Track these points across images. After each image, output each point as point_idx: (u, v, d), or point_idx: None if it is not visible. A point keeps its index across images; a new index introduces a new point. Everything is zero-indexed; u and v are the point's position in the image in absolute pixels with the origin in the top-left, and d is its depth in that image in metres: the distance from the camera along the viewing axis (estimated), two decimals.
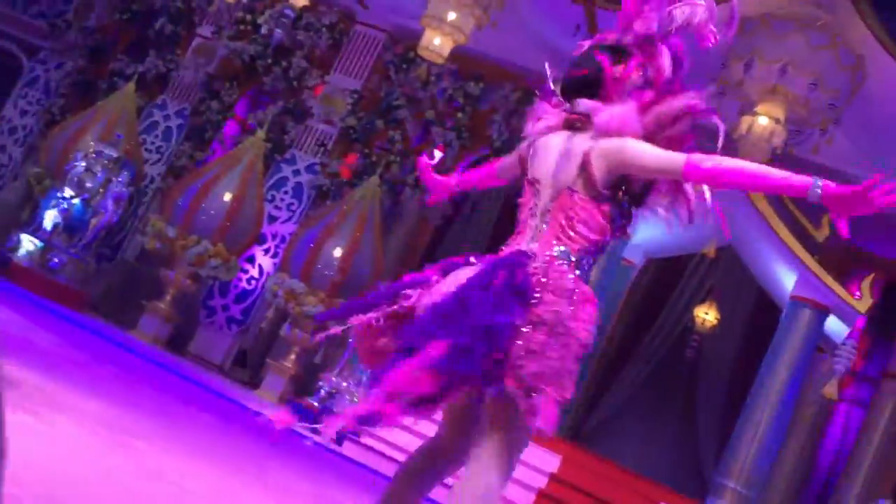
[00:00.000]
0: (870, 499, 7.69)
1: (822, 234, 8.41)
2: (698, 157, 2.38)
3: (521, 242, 2.53)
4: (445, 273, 2.50)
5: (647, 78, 2.58)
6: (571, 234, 2.50)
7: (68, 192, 9.37)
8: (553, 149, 2.56)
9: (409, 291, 2.47)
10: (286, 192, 10.38)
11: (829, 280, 8.18)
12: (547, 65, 2.80)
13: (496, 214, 11.05)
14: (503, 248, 2.57)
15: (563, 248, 2.47)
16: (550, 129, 2.61)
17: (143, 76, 10.96)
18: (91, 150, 9.43)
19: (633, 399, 10.72)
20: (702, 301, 10.66)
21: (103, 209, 9.50)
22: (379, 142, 10.43)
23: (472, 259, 2.53)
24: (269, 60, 10.67)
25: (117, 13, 11.52)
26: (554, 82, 2.70)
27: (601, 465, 8.12)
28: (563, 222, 2.50)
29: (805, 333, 8.34)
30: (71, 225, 9.41)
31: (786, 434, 8.79)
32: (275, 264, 9.95)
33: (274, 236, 10.25)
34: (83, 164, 9.39)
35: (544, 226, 2.52)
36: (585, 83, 2.61)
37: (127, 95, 10.29)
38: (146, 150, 10.75)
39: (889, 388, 9.28)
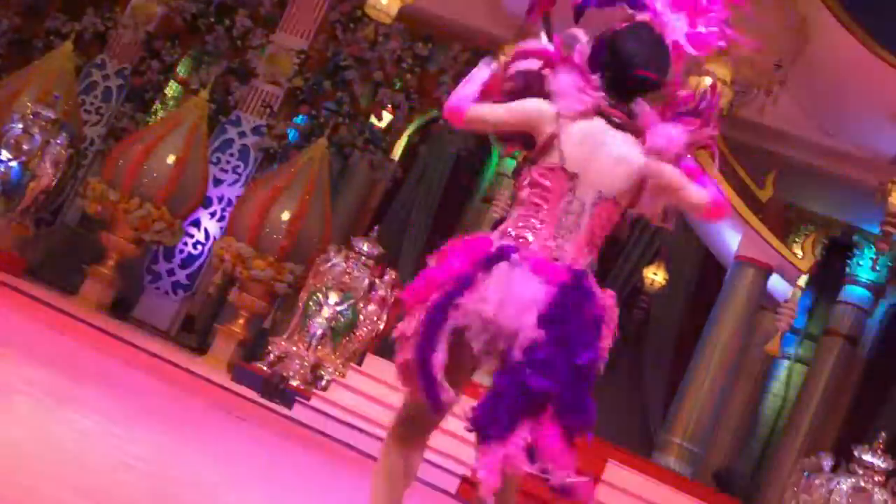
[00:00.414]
0: (811, 453, 7.90)
1: (765, 195, 8.55)
2: (715, 194, 2.49)
3: (545, 236, 2.41)
4: (485, 268, 2.35)
5: (698, 106, 2.49)
6: (597, 241, 2.49)
7: (5, 155, 9.05)
8: (601, 146, 2.43)
9: (462, 300, 2.33)
10: (232, 155, 10.18)
11: (773, 239, 8.33)
12: (581, 32, 2.54)
13: (446, 176, 11.01)
14: (512, 224, 2.45)
15: (590, 257, 2.47)
16: (583, 115, 2.45)
17: (80, 35, 10.59)
18: (28, 111, 9.10)
19: None
20: (650, 262, 10.78)
21: (41, 172, 9.21)
22: (326, 103, 10.28)
23: (510, 253, 2.37)
24: (212, 19, 10.41)
25: None
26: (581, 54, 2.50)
27: None
28: (597, 230, 2.46)
29: (748, 292, 8.50)
30: (8, 189, 9.11)
31: (730, 391, 8.99)
32: (221, 228, 9.79)
33: (220, 199, 10.06)
34: (20, 125, 9.06)
35: (579, 228, 2.43)
36: (652, 86, 2.49)
37: (64, 55, 9.93)
38: (85, 111, 10.42)
39: (829, 344, 9.53)
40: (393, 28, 9.80)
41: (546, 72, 2.53)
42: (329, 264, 8.39)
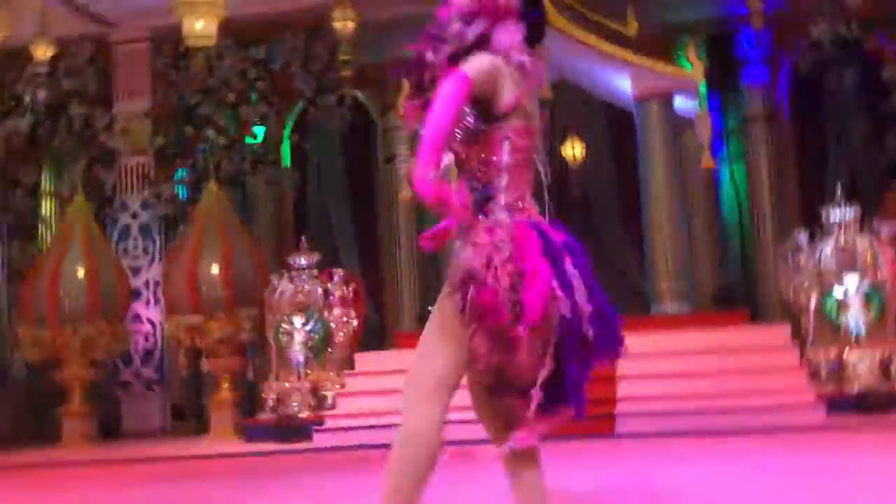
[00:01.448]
0: (785, 237, 8.09)
1: (632, 29, 8.58)
2: None
3: (530, 199, 2.41)
4: (570, 253, 2.37)
5: None
6: None
7: None
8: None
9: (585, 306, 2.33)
10: (135, 239, 9.93)
11: (657, 66, 8.39)
12: None
13: (341, 157, 10.85)
14: (510, 195, 2.36)
15: None
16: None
17: None
18: None
19: None
20: (563, 141, 10.80)
21: None
22: (197, 147, 10.00)
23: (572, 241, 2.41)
24: (48, 123, 10.00)
25: None
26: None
27: None
28: None
29: (660, 124, 8.59)
30: None
31: (688, 219, 9.13)
32: (161, 310, 9.58)
33: (146, 284, 9.83)
34: None
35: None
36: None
37: None
38: None
39: (753, 130, 9.66)
40: (221, 46, 9.52)
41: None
42: (278, 293, 8.28)
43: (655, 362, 7.10)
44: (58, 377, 8.94)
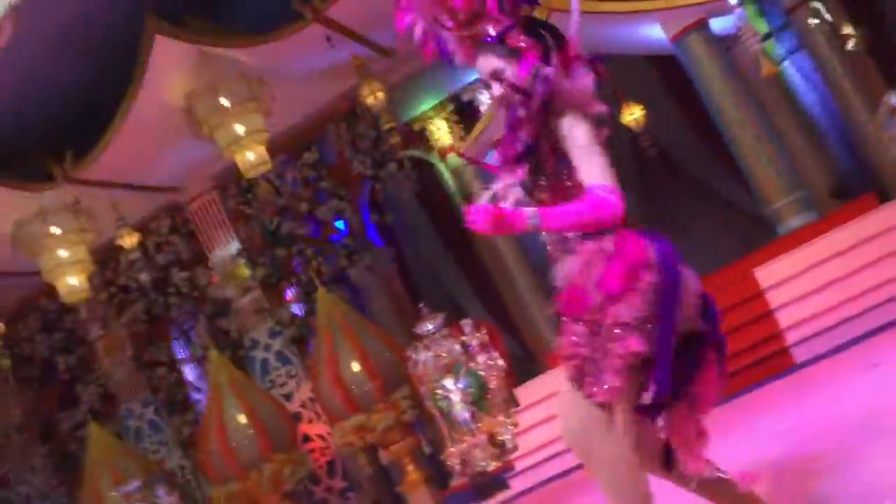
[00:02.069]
0: (878, 104, 7.70)
1: None
2: None
3: None
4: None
5: None
6: None
7: None
8: None
9: None
10: (276, 369, 10.27)
11: (680, 1, 8.21)
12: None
13: (431, 225, 11.02)
14: None
15: None
16: None
17: None
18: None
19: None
20: (620, 111, 10.67)
21: None
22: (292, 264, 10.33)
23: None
24: (160, 299, 10.53)
25: None
26: None
27: None
28: None
29: (708, 54, 8.38)
30: None
31: (775, 129, 8.82)
32: (325, 422, 9.83)
33: (303, 405, 10.14)
34: None
35: None
36: None
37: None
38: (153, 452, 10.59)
39: (800, 17, 9.28)
40: (277, 164, 9.86)
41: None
42: (420, 364, 8.39)
43: (808, 278, 6.86)
44: None
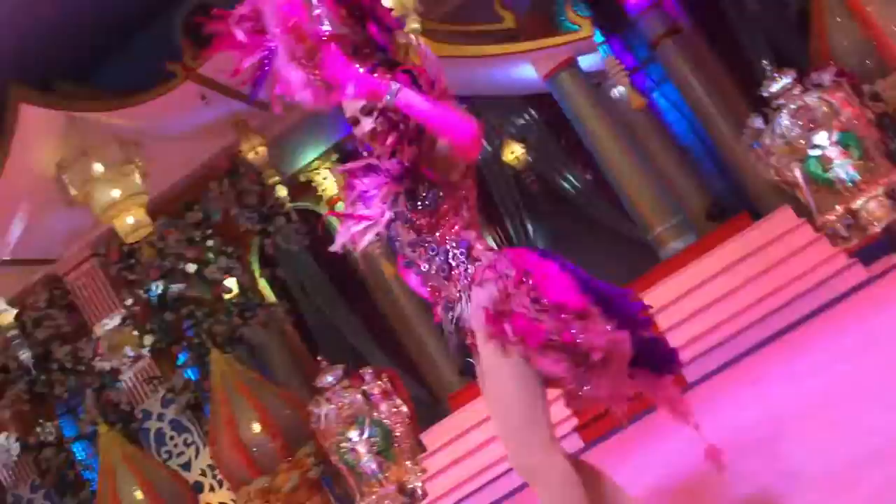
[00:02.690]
0: (744, 129, 8.06)
1: (509, 21, 8.68)
2: None
3: None
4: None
5: None
6: None
7: None
8: None
9: None
10: (172, 438, 9.89)
11: (547, 42, 8.47)
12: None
13: (325, 275, 10.88)
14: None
15: None
16: None
17: None
18: None
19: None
20: (501, 150, 10.88)
21: None
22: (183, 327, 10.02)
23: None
24: (42, 377, 10.02)
25: None
26: None
27: None
28: None
29: (578, 89, 8.64)
30: None
31: (648, 157, 9.14)
32: (227, 488, 9.50)
33: (203, 473, 9.78)
34: None
35: None
36: None
37: None
38: None
39: (666, 47, 9.68)
40: (159, 226, 9.61)
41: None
42: (322, 418, 8.22)
43: (691, 299, 7.07)
44: None
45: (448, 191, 2.53)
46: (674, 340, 6.78)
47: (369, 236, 2.59)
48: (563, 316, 2.38)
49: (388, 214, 2.58)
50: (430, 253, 2.54)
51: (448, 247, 2.53)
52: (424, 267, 2.58)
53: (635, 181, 8.59)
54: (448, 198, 2.53)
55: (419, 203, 2.53)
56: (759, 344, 6.42)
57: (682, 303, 7.09)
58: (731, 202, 9.22)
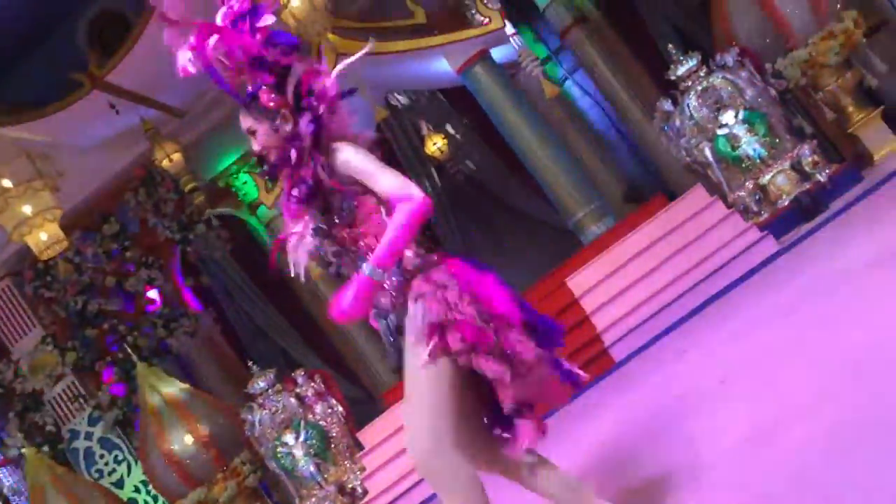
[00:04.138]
0: (656, 108, 8.28)
1: (420, 16, 8.72)
2: None
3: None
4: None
5: None
6: None
7: None
8: None
9: None
10: (102, 457, 9.65)
11: (459, 35, 8.53)
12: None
13: (250, 280, 10.74)
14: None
15: None
16: None
17: None
18: None
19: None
20: (423, 143, 10.93)
21: None
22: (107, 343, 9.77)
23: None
24: None
25: None
26: None
27: None
28: None
29: (492, 81, 8.74)
30: None
31: (567, 145, 9.31)
32: (163, 502, 9.33)
33: (137, 489, 9.57)
34: None
35: None
36: None
37: None
38: None
39: (574, 39, 9.88)
40: (74, 241, 9.35)
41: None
42: (257, 425, 8.14)
43: (614, 281, 7.24)
44: None
45: (361, 197, 2.55)
46: (600, 322, 7.00)
47: (302, 253, 2.62)
48: (505, 325, 2.45)
49: (309, 230, 2.61)
50: (358, 262, 2.58)
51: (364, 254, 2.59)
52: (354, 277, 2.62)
53: (553, 169, 8.74)
54: (362, 204, 2.56)
55: (335, 216, 2.56)
56: (682, 319, 6.62)
57: (605, 284, 7.26)
58: (646, 184, 9.46)
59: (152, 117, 8.77)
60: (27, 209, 8.07)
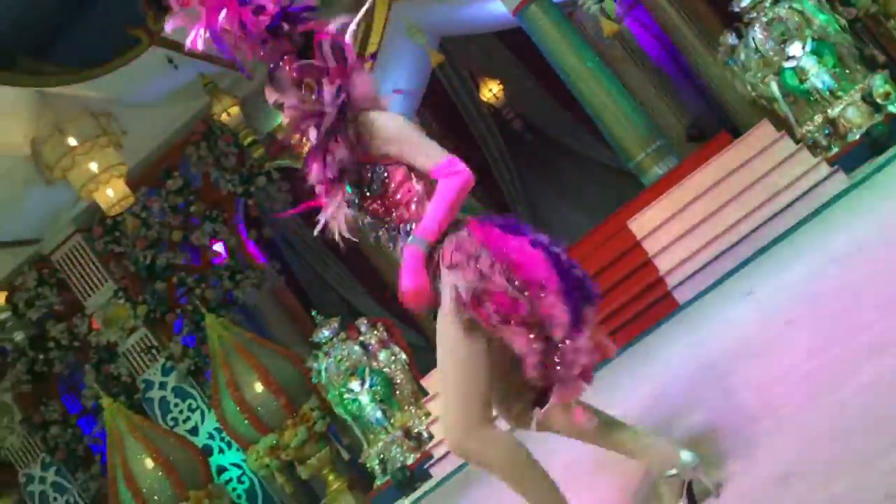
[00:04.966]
0: (720, 42, 7.99)
1: None
2: None
3: None
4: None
5: None
6: None
7: None
8: None
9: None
10: (176, 405, 9.98)
11: None
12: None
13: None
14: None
15: None
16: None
17: None
18: None
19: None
20: (478, 89, 10.80)
21: None
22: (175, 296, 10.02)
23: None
24: (40, 356, 10.05)
25: None
26: None
27: None
28: None
29: (549, 20, 8.53)
30: None
31: (623, 86, 9.08)
32: (237, 449, 9.62)
33: (211, 436, 9.87)
34: None
35: None
36: None
37: None
38: None
39: None
40: (140, 197, 9.55)
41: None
42: (323, 373, 8.30)
43: (677, 222, 7.11)
44: None
45: (392, 168, 2.51)
46: (663, 264, 6.89)
47: (342, 221, 2.61)
48: (538, 293, 2.38)
49: (344, 203, 2.58)
50: (392, 233, 2.56)
51: (407, 228, 2.52)
52: (390, 246, 2.60)
53: (613, 109, 8.54)
54: (392, 175, 2.51)
55: (366, 190, 2.52)
56: (748, 259, 6.48)
57: (668, 226, 7.13)
58: (710, 122, 9.21)
59: (210, 72, 8.84)
60: (94, 166, 8.25)
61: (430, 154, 2.47)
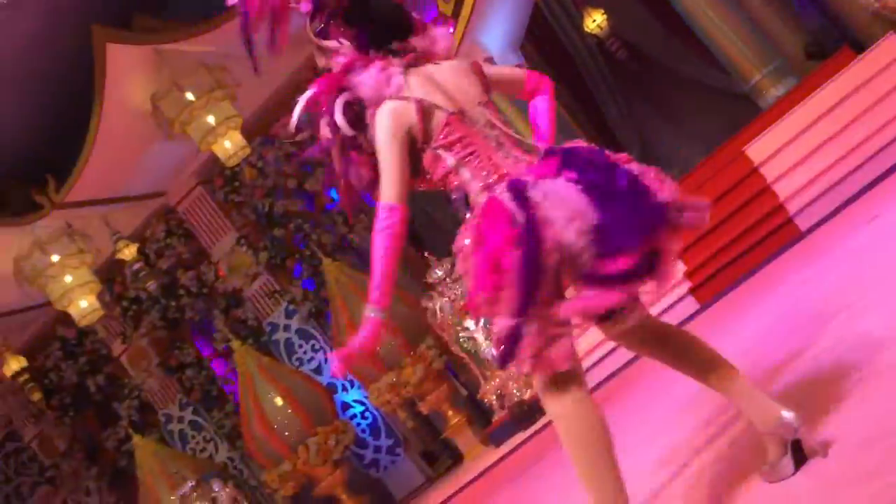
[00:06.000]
0: None
1: None
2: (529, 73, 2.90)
3: (503, 157, 2.52)
4: (526, 206, 2.49)
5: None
6: (512, 126, 2.68)
7: None
8: (437, 81, 2.58)
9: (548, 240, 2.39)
10: (300, 346, 10.38)
11: None
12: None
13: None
14: (478, 176, 2.51)
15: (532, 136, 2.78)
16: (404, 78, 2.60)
17: None
18: None
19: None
20: (582, 20, 10.54)
21: None
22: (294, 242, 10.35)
23: (521, 181, 2.65)
24: (173, 303, 10.61)
25: None
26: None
27: None
28: (504, 122, 2.64)
29: None
30: None
31: (737, 2, 8.70)
32: (360, 386, 9.97)
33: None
34: None
35: (503, 132, 2.57)
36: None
37: None
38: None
39: None
40: (256, 146, 9.83)
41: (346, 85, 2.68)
42: (438, 313, 8.44)
43: (798, 146, 6.83)
44: (319, 493, 9.44)
45: (421, 152, 2.58)
46: (783, 190, 6.66)
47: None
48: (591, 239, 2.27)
49: None
50: (454, 202, 2.59)
51: (455, 196, 2.57)
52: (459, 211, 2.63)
53: (724, 29, 8.19)
54: (423, 158, 2.57)
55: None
56: (873, 182, 6.18)
57: (788, 150, 6.86)
58: (830, 37, 8.71)
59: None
60: (211, 119, 8.54)
61: (384, 188, 2.48)
